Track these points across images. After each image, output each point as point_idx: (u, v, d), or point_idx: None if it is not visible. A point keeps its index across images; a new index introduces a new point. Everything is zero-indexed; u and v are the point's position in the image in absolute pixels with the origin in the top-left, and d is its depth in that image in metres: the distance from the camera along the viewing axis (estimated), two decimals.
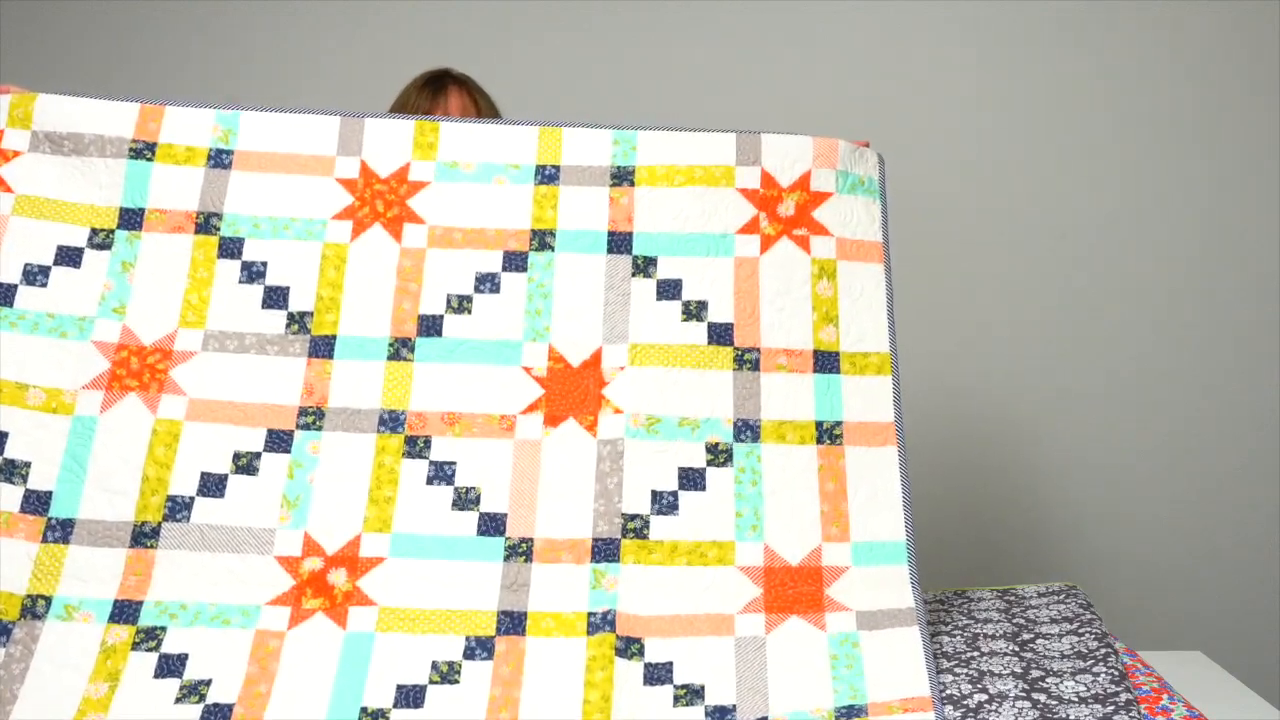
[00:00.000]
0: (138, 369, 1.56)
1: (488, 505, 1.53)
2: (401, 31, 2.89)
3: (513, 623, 1.45)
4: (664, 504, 1.55)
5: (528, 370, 1.61)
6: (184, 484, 1.51)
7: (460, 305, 1.63)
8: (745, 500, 1.55)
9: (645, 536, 1.52)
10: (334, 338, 1.61)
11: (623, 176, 1.72)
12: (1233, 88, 2.83)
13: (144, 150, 1.66)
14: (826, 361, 1.64)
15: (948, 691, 1.48)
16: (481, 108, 2.01)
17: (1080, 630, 1.69)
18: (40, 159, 1.63)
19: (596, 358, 1.62)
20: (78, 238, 1.61)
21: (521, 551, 1.49)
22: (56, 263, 1.60)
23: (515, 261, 1.65)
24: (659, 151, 1.72)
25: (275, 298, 1.62)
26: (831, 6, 2.87)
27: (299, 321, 1.61)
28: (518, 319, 1.63)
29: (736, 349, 1.63)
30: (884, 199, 1.75)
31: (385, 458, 1.55)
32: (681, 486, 1.56)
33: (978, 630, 1.72)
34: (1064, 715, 1.39)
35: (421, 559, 1.49)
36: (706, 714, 1.39)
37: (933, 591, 1.98)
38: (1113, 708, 1.41)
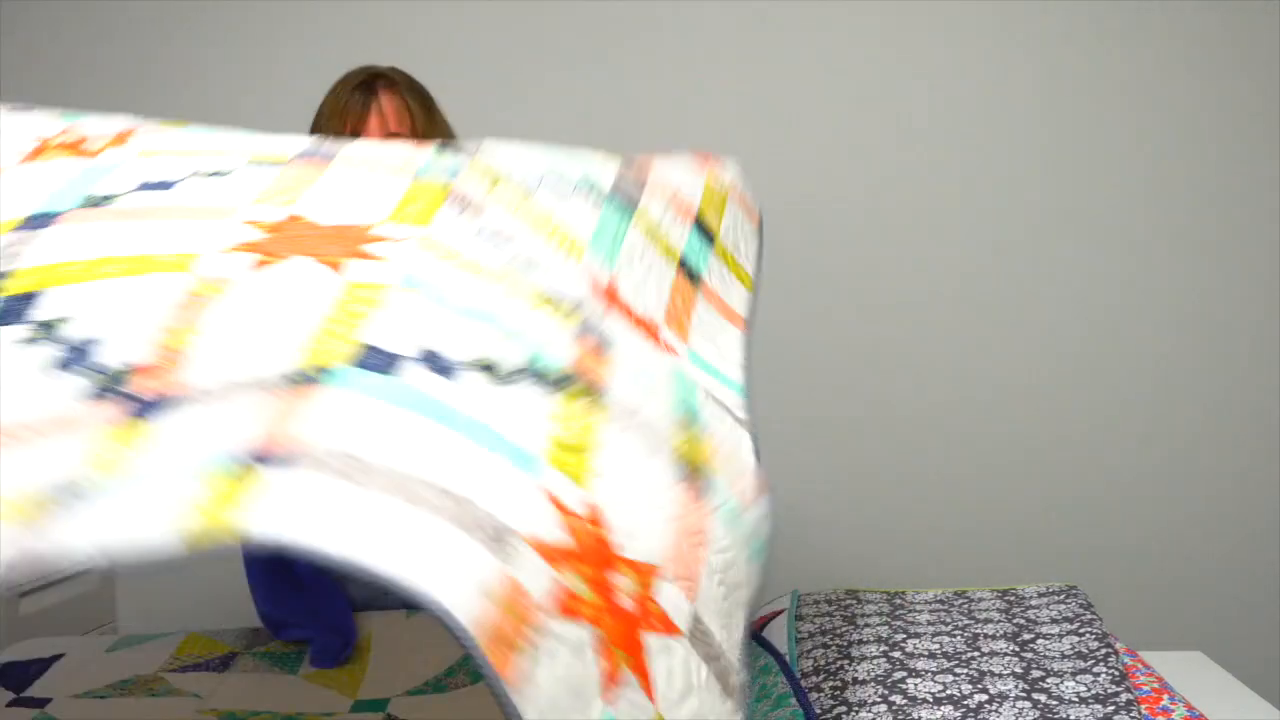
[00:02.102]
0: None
1: None
2: (381, 29, 2.89)
3: None
4: None
5: None
6: None
7: None
8: None
9: None
10: None
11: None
12: (1233, 87, 2.82)
13: None
14: None
15: (948, 692, 1.48)
16: (414, 110, 1.86)
17: (1080, 630, 1.69)
18: None
19: None
20: None
21: None
22: None
23: None
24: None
25: None
26: (821, 6, 2.87)
27: None
28: None
29: None
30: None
31: None
32: None
33: (978, 630, 1.72)
34: (1064, 715, 1.39)
35: None
36: None
37: (933, 591, 1.97)
38: (1113, 708, 1.40)
